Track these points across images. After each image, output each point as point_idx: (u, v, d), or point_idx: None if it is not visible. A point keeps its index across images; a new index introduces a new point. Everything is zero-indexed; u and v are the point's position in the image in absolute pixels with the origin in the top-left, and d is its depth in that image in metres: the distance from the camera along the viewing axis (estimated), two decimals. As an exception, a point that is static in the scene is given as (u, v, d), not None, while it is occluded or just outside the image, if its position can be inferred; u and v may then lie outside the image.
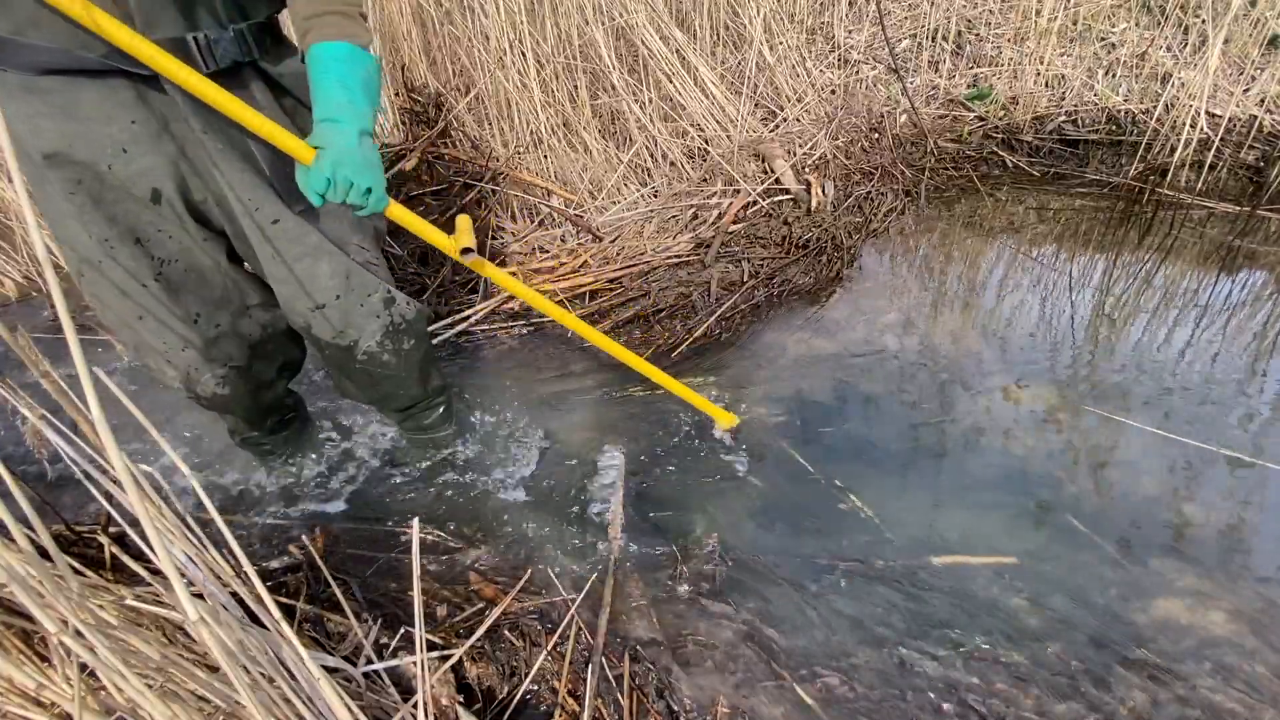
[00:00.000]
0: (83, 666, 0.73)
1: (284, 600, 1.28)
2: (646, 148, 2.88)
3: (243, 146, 1.15)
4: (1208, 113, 3.07)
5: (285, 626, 0.74)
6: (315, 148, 1.06)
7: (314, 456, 1.77)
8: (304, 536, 1.51)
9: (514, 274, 2.48)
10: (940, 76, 3.55)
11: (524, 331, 2.27)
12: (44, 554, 0.66)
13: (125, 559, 0.87)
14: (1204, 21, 3.39)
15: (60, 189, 1.10)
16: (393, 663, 1.12)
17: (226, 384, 1.38)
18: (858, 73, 3.59)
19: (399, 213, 1.24)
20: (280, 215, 1.22)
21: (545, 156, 2.72)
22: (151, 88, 1.07)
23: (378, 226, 1.41)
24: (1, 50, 0.98)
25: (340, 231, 1.30)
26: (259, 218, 1.20)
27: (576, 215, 2.66)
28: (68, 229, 1.14)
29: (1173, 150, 3.09)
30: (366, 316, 1.35)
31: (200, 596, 0.73)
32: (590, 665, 1.26)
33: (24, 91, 1.02)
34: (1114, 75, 3.43)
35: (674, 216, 2.72)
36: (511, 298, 2.40)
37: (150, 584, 0.89)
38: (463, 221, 1.40)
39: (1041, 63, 3.43)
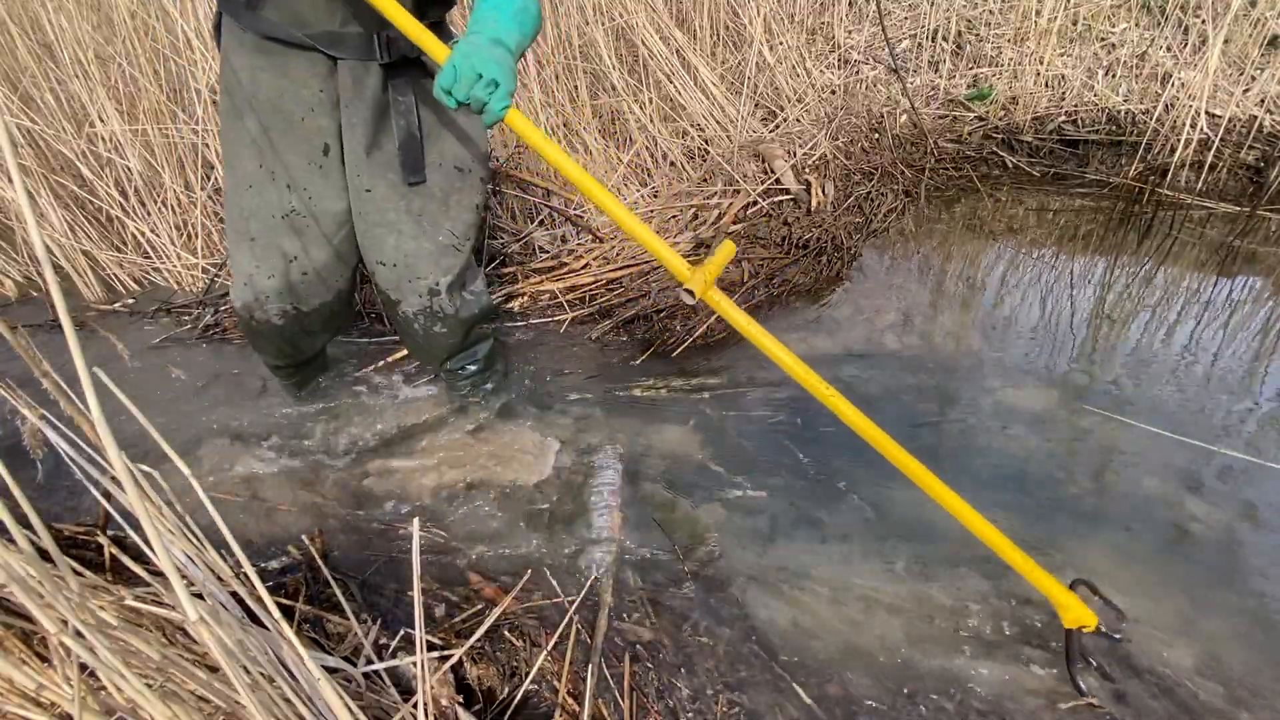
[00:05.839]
0: (83, 666, 0.73)
1: (283, 601, 1.27)
2: (646, 148, 2.88)
3: (374, 125, 1.41)
4: (1208, 113, 3.07)
5: (285, 627, 0.74)
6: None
7: (328, 409, 1.91)
8: (303, 536, 1.51)
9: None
10: (940, 76, 3.56)
11: (523, 331, 2.27)
12: (44, 555, 0.66)
13: (125, 560, 0.87)
14: (1204, 21, 3.39)
15: (255, 126, 1.40)
16: (393, 663, 1.12)
17: (284, 318, 1.59)
18: (858, 73, 3.59)
19: (522, 124, 1.22)
20: (374, 185, 1.46)
21: (545, 156, 2.72)
22: (334, 68, 1.36)
23: (479, 211, 1.60)
24: (247, 16, 1.31)
25: (434, 212, 1.52)
26: (358, 183, 1.47)
27: (576, 215, 2.66)
28: (241, 155, 1.43)
29: (1173, 150, 3.09)
30: (410, 292, 1.59)
31: (200, 596, 0.73)
32: (590, 665, 1.26)
33: (254, 50, 1.34)
34: (1114, 75, 3.43)
35: (674, 216, 2.72)
36: (511, 297, 2.40)
37: (150, 584, 0.89)
38: (723, 250, 1.29)
39: (1041, 63, 3.43)
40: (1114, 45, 3.54)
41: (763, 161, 2.97)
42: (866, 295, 2.42)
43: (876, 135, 3.29)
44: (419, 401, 1.94)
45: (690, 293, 1.20)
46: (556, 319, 2.31)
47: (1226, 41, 3.23)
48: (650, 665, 1.29)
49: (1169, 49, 3.45)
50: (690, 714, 1.22)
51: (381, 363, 2.06)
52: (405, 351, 2.07)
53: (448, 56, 1.18)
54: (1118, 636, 1.31)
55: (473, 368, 1.84)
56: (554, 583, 1.44)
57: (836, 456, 1.78)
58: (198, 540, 0.80)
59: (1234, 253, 2.65)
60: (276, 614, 0.73)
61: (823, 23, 3.79)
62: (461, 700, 1.11)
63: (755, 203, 2.79)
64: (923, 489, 1.26)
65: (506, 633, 1.31)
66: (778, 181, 2.87)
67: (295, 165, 1.44)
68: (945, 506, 1.27)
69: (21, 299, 2.48)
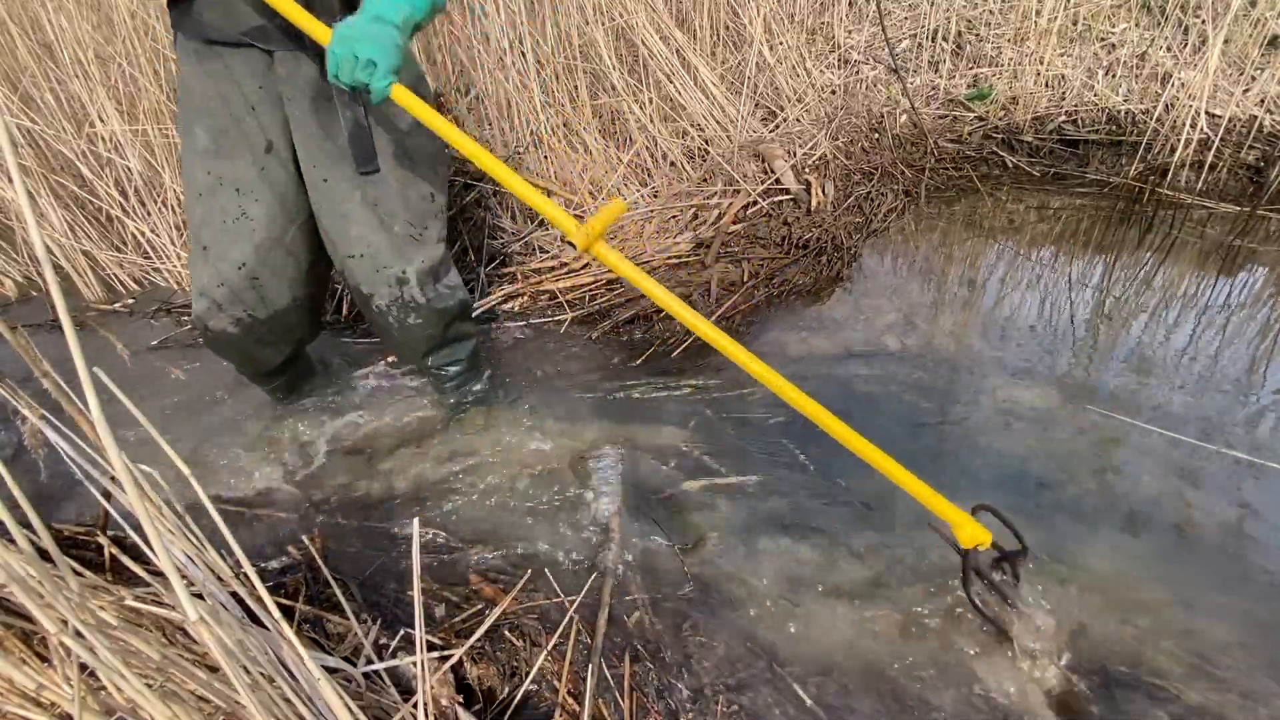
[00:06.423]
0: (83, 666, 0.73)
1: (283, 601, 1.27)
2: (646, 148, 2.88)
3: (322, 115, 1.40)
4: (1208, 113, 3.06)
5: (285, 627, 0.74)
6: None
7: (313, 419, 1.87)
8: (303, 536, 1.51)
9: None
10: (940, 76, 3.55)
11: (523, 331, 2.27)
12: (44, 555, 0.66)
13: (125, 560, 0.87)
14: (1204, 21, 3.39)
15: (203, 135, 1.41)
16: (393, 663, 1.12)
17: (238, 327, 1.55)
18: (858, 73, 3.59)
19: (407, 99, 1.21)
20: (330, 176, 1.45)
21: (545, 157, 2.72)
22: (271, 62, 1.35)
23: (438, 199, 1.58)
24: (188, 23, 1.34)
25: (391, 205, 1.50)
26: (313, 175, 1.46)
27: (577, 216, 2.66)
28: (194, 165, 1.44)
29: (1173, 150, 3.09)
30: (380, 283, 1.56)
31: (200, 596, 0.73)
32: (590, 665, 1.26)
33: (198, 57, 1.36)
34: (1114, 75, 3.43)
35: (674, 216, 2.72)
36: (511, 297, 2.40)
37: (150, 584, 0.89)
38: (611, 205, 1.34)
39: (1041, 63, 3.43)
40: (1114, 45, 3.54)
41: (763, 161, 2.97)
42: (866, 295, 2.42)
43: (876, 135, 3.29)
44: (418, 402, 1.94)
45: (572, 245, 1.20)
46: (556, 319, 2.31)
47: (1226, 41, 3.22)
48: (650, 665, 1.29)
49: (1169, 49, 3.44)
50: (690, 714, 1.22)
51: (382, 363, 2.06)
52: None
53: (329, 41, 1.18)
54: (1020, 557, 1.33)
55: (455, 369, 1.81)
56: (554, 583, 1.44)
57: (836, 456, 1.78)
58: (198, 540, 0.80)
59: (1234, 252, 2.65)
60: (276, 614, 0.73)
61: (823, 23, 3.79)
62: (461, 700, 1.11)
63: (755, 203, 2.79)
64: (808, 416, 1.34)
65: (506, 633, 1.31)
66: (778, 181, 2.87)
67: (240, 168, 1.43)
68: (830, 432, 1.33)
69: (21, 299, 2.48)
